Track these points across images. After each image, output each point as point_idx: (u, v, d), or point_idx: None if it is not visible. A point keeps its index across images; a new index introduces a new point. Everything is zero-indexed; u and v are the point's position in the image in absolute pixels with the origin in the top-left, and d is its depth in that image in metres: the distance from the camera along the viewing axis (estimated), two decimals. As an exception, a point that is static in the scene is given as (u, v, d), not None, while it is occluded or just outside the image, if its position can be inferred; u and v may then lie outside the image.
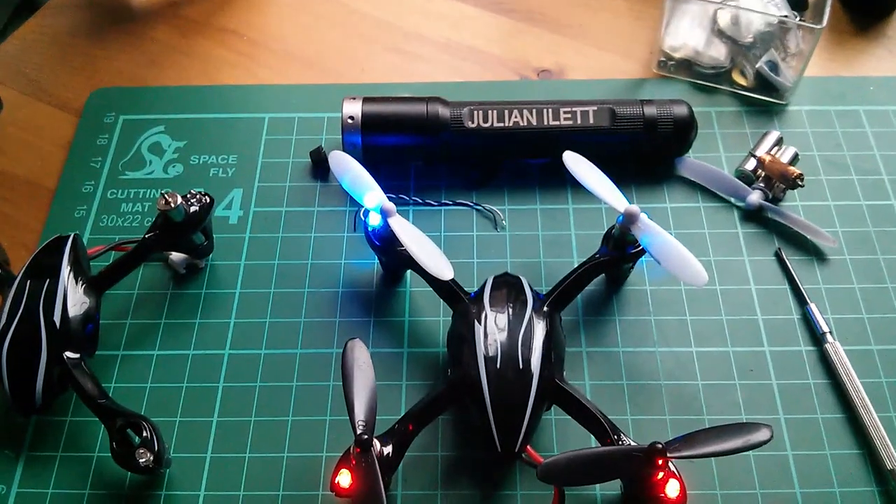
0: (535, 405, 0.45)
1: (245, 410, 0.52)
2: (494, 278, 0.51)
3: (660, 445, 0.41)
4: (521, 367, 0.45)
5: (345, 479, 0.42)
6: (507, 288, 0.50)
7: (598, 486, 0.48)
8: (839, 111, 0.65)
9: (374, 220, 0.51)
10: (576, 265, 0.52)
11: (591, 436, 0.47)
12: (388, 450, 0.44)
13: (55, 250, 0.52)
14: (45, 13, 0.76)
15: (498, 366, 0.45)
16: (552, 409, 0.49)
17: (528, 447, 0.46)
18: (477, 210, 0.61)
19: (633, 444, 0.44)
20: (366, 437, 0.42)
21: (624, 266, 0.54)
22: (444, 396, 0.47)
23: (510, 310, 0.48)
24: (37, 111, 0.69)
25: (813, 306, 0.54)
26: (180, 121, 0.67)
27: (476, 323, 0.47)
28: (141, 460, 0.45)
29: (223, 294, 0.57)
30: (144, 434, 0.46)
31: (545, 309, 0.49)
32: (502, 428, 0.45)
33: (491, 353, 0.46)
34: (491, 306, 0.48)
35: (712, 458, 0.49)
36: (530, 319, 0.48)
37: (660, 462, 0.41)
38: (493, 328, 0.47)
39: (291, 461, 0.50)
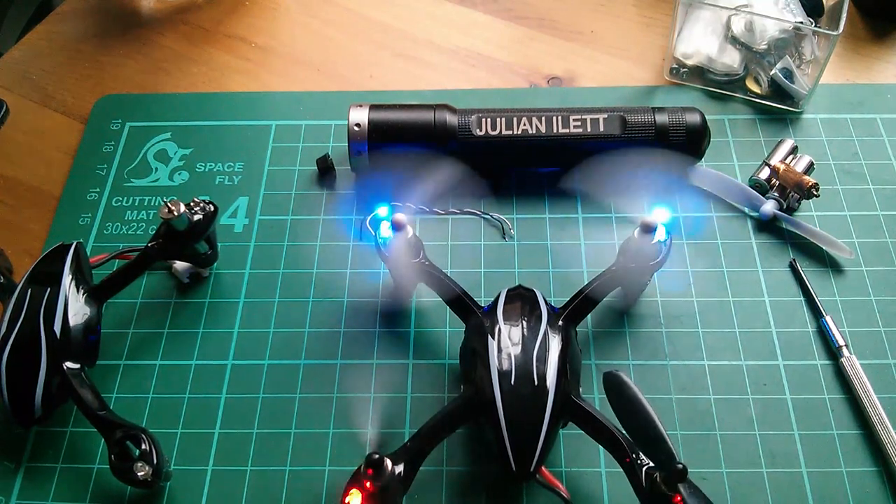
0: (551, 423, 0.44)
1: (247, 422, 0.51)
2: (508, 291, 0.50)
3: (680, 466, 0.39)
4: (536, 383, 0.44)
5: (356, 500, 0.41)
6: (521, 301, 0.49)
7: None
8: (855, 119, 0.64)
9: (385, 232, 0.50)
10: (585, 276, 0.51)
11: (602, 450, 0.46)
12: (399, 469, 0.43)
13: (57, 259, 0.51)
14: (53, 19, 0.76)
15: (512, 382, 0.44)
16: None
17: (543, 468, 0.44)
18: (485, 219, 0.60)
19: (652, 463, 0.43)
20: (377, 455, 0.41)
21: (641, 279, 0.53)
22: (457, 413, 0.46)
23: (524, 324, 0.47)
24: (43, 117, 0.69)
25: (829, 319, 0.53)
26: (187, 128, 0.66)
27: (489, 337, 0.46)
28: (139, 474, 0.44)
29: (227, 303, 0.56)
30: (143, 447, 0.45)
31: (560, 323, 0.48)
32: (517, 447, 0.43)
33: (505, 369, 0.45)
34: (504, 320, 0.47)
35: (724, 476, 0.48)
36: (545, 334, 0.46)
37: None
38: (506, 343, 0.46)
39: (294, 474, 0.49)
